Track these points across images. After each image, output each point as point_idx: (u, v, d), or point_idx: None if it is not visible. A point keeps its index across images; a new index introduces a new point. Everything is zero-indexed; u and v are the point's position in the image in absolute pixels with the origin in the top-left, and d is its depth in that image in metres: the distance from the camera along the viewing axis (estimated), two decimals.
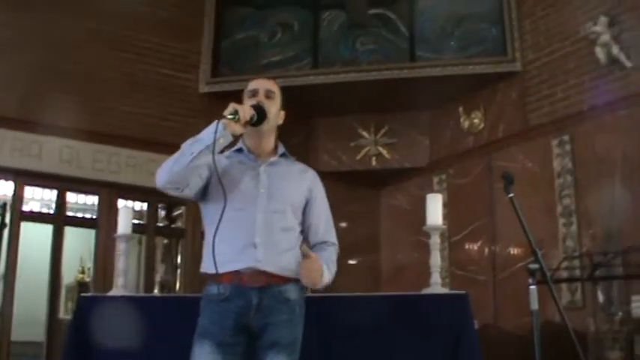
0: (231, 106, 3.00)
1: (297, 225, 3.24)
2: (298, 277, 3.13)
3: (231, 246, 3.06)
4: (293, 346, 3.09)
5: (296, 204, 3.24)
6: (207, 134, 2.98)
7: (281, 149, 3.34)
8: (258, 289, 3.05)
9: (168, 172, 3.06)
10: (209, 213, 3.19)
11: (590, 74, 6.99)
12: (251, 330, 3.06)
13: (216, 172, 3.01)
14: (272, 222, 3.12)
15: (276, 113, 3.27)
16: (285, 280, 3.11)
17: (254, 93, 3.27)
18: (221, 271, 3.03)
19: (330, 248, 3.32)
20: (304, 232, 3.29)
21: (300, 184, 3.30)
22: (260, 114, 3.10)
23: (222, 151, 3.16)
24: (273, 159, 3.28)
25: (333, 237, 3.37)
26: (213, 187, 3.16)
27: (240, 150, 3.29)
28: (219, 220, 2.99)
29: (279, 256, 3.09)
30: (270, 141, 3.31)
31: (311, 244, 3.27)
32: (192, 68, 8.46)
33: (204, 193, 3.19)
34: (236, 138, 3.11)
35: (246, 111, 3.02)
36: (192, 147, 3.00)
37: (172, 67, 8.32)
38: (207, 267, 3.11)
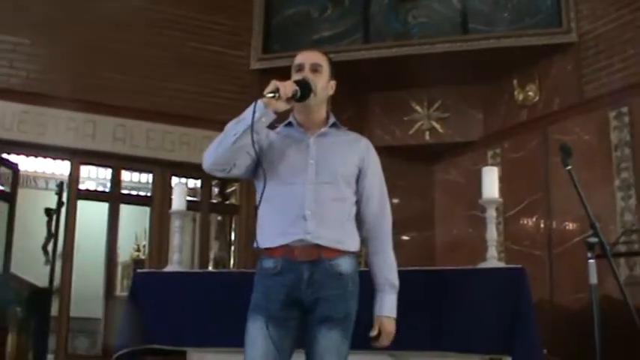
0: (272, 84, 2.96)
1: (351, 195, 3.19)
2: (352, 251, 3.12)
3: (281, 220, 3.06)
4: (346, 321, 3.07)
5: (347, 174, 3.18)
6: (249, 113, 2.96)
7: (332, 119, 3.29)
8: (309, 262, 3.03)
9: (213, 155, 3.07)
10: (260, 189, 3.16)
11: None
12: (303, 304, 3.05)
13: (255, 151, 2.99)
14: (322, 193, 3.08)
15: (324, 86, 3.22)
16: (337, 252, 3.07)
17: (300, 67, 3.22)
18: (272, 245, 3.05)
19: (387, 241, 3.28)
20: (358, 202, 3.23)
21: (351, 153, 3.23)
22: (304, 89, 3.06)
23: (273, 127, 3.15)
24: (324, 130, 3.24)
25: (386, 210, 3.31)
26: (261, 164, 3.12)
27: (290, 124, 3.26)
28: (261, 198, 3.02)
29: (330, 228, 3.06)
30: (320, 114, 3.26)
31: (365, 219, 3.23)
32: (243, 45, 8.45)
33: (255, 170, 3.17)
34: (286, 112, 3.10)
35: (287, 87, 2.98)
36: (236, 127, 3.00)
37: (223, 44, 8.32)
38: (259, 242, 3.11)
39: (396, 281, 3.20)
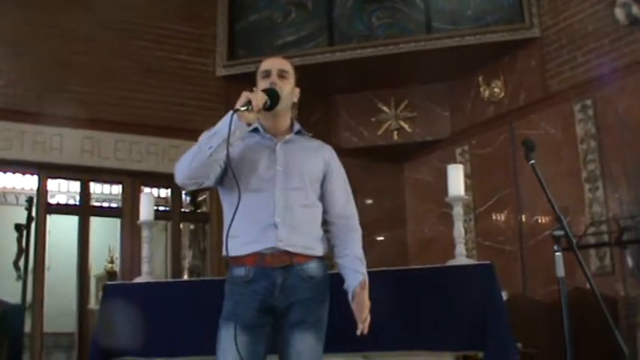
0: (244, 96, 2.96)
1: (317, 200, 3.22)
2: (321, 255, 3.14)
3: (252, 228, 3.06)
4: (319, 324, 3.09)
5: (314, 178, 3.21)
6: (223, 126, 2.96)
7: (297, 127, 3.31)
8: (281, 268, 3.04)
9: (187, 169, 3.07)
10: (226, 198, 3.19)
11: (610, 36, 6.88)
12: (276, 310, 3.06)
13: (229, 166, 3.00)
14: (292, 200, 3.10)
15: (290, 92, 3.24)
16: (308, 258, 3.10)
17: (267, 74, 3.23)
18: (243, 253, 3.06)
19: (354, 236, 3.28)
20: (324, 206, 3.25)
21: (317, 158, 3.26)
22: (273, 97, 3.08)
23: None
24: (289, 136, 3.25)
25: (352, 210, 3.33)
26: (227, 172, 3.13)
27: (256, 130, 3.25)
28: (237, 208, 2.98)
29: (300, 235, 3.08)
30: (285, 120, 3.28)
31: (330, 218, 3.25)
32: (208, 52, 8.45)
33: (221, 179, 3.17)
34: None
35: (259, 99, 2.99)
36: (210, 141, 2.99)
37: (188, 52, 8.31)
38: (228, 250, 3.09)
39: (366, 274, 3.19)
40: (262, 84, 3.19)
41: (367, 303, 3.10)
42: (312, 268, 3.10)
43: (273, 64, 3.28)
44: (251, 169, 3.13)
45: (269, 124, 3.25)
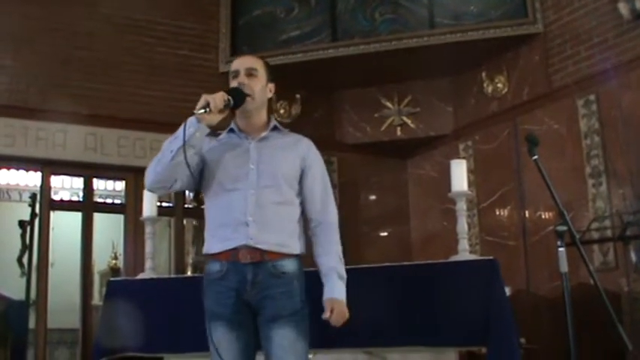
0: (203, 99, 3.01)
1: (294, 197, 3.23)
2: (297, 253, 3.17)
3: (225, 226, 3.11)
4: (297, 316, 3.09)
5: (289, 175, 3.22)
6: (182, 131, 3.01)
7: (272, 123, 3.33)
8: (252, 264, 3.07)
9: (152, 173, 3.16)
10: (205, 198, 3.27)
11: (613, 31, 6.85)
12: (251, 306, 3.10)
13: (189, 168, 3.03)
14: (264, 197, 3.12)
15: (261, 89, 3.27)
16: (281, 255, 3.12)
17: (235, 74, 3.27)
18: (217, 250, 3.12)
19: (332, 236, 3.25)
20: (302, 201, 3.27)
21: (292, 155, 3.27)
22: (237, 96, 3.11)
23: (217, 135, 3.25)
24: (264, 134, 3.28)
25: (332, 214, 3.31)
26: (203, 173, 3.22)
27: (231, 130, 3.31)
28: (210, 206, 3.16)
29: (273, 233, 3.11)
30: (260, 118, 3.31)
31: (310, 217, 3.26)
32: (211, 48, 8.43)
33: (200, 180, 3.24)
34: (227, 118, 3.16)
35: (217, 100, 3.01)
36: (171, 145, 3.06)
37: (191, 48, 8.29)
38: (205, 248, 3.19)
39: (343, 272, 3.20)
40: (232, 84, 3.23)
41: (345, 312, 3.12)
42: (285, 264, 3.12)
43: (241, 63, 3.31)
44: (225, 168, 3.18)
45: (243, 123, 3.29)
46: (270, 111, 3.42)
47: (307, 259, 3.26)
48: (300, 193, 3.26)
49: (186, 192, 8.83)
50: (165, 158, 3.06)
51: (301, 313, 3.11)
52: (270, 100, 3.37)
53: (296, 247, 3.17)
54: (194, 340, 4.10)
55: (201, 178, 3.22)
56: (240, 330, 3.06)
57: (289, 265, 3.12)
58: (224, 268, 3.09)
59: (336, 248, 3.24)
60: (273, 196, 3.11)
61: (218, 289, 3.10)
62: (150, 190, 3.21)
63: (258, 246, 3.07)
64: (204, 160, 3.20)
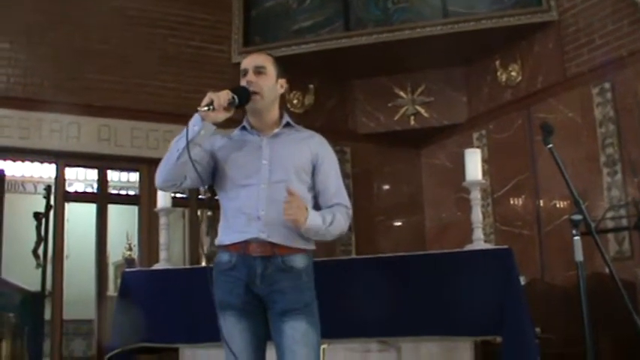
0: (207, 97, 3.01)
1: (305, 192, 3.21)
2: (306, 248, 3.16)
3: (238, 221, 3.13)
4: (307, 309, 3.09)
5: (300, 171, 3.21)
6: (187, 128, 3.04)
7: (285, 119, 3.33)
8: (262, 258, 3.09)
9: (163, 172, 3.17)
10: (220, 193, 3.29)
11: (628, 18, 6.81)
12: (261, 299, 3.11)
13: (192, 164, 3.04)
14: (276, 192, 3.10)
15: (270, 87, 3.26)
16: (291, 250, 3.12)
17: (245, 72, 3.27)
18: (229, 242, 3.14)
19: (337, 207, 3.24)
20: (316, 196, 3.27)
21: (304, 149, 3.26)
22: (242, 94, 3.11)
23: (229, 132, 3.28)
24: (276, 130, 3.29)
25: (343, 199, 3.30)
26: (216, 170, 3.25)
27: (244, 127, 3.31)
28: (223, 201, 3.19)
29: (284, 227, 3.09)
30: (272, 114, 3.31)
31: (321, 208, 3.24)
32: (224, 39, 8.43)
33: (213, 176, 3.27)
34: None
35: (221, 98, 3.01)
36: (177, 144, 3.07)
37: (204, 39, 8.30)
38: (218, 240, 3.22)
39: (327, 219, 3.13)
40: (242, 83, 3.23)
41: (303, 212, 3.02)
42: (295, 259, 3.13)
43: (249, 62, 3.30)
44: (237, 165, 3.20)
45: (254, 120, 3.30)
46: (283, 106, 3.41)
47: (317, 251, 3.26)
48: (313, 187, 3.26)
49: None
50: (173, 157, 3.08)
51: (312, 305, 3.12)
52: (282, 95, 3.37)
53: (306, 243, 3.16)
54: (208, 330, 4.09)
55: (214, 175, 3.25)
56: (250, 320, 3.08)
57: (299, 261, 3.13)
58: (233, 259, 3.11)
59: (338, 216, 3.18)
60: (284, 191, 3.07)
61: (227, 280, 3.11)
62: (161, 189, 3.24)
63: (270, 239, 3.08)
64: (215, 157, 3.23)
